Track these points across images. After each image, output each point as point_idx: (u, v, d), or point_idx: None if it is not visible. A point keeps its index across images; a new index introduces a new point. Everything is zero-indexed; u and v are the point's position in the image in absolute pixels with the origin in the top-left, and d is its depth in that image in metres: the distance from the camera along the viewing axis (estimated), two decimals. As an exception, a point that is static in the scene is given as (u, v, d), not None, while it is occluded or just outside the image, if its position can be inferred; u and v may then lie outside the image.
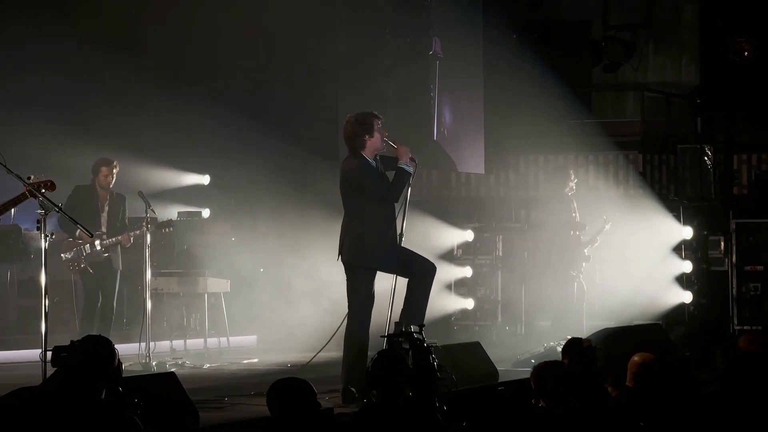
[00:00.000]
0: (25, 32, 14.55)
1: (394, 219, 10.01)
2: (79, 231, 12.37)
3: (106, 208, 12.79)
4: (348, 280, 10.01)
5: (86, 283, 12.82)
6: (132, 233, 12.68)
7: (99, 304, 12.70)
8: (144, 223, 12.41)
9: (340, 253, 10.04)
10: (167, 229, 13.03)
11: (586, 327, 13.07)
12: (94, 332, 11.93)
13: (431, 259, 10.36)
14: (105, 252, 12.71)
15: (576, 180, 14.24)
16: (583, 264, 14.09)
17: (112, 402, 5.92)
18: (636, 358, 8.05)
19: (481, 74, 18.29)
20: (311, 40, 16.47)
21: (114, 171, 12.75)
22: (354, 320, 9.91)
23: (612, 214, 15.10)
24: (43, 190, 9.28)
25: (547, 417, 6.97)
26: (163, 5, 15.52)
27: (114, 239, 12.67)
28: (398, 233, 9.94)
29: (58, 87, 14.85)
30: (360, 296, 9.90)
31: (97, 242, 12.59)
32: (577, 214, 14.08)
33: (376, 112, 10.03)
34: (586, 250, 14.08)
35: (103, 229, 12.67)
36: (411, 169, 9.90)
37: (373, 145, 9.94)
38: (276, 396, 6.25)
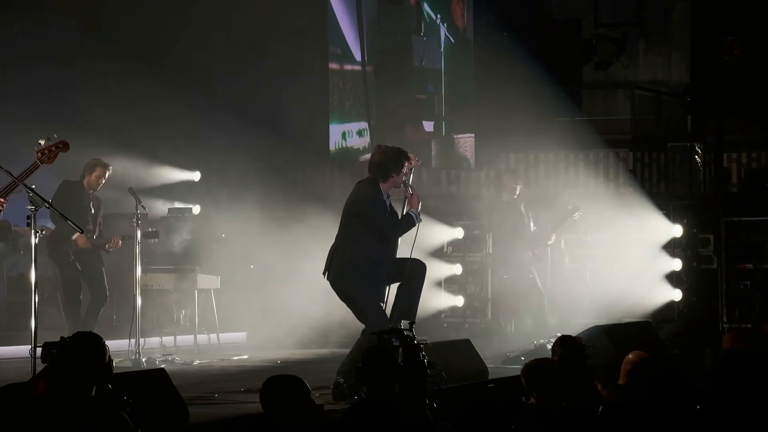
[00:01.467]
0: (8, 25, 14.49)
1: (391, 254, 10.09)
2: (76, 235, 12.42)
3: (93, 209, 12.79)
4: (342, 299, 10.06)
5: (68, 275, 12.77)
6: (121, 237, 12.79)
7: (81, 295, 12.72)
8: (134, 220, 12.38)
9: (327, 270, 10.07)
10: (153, 240, 13.08)
11: (576, 325, 13.07)
12: (81, 325, 12.02)
13: (421, 257, 10.38)
14: (92, 249, 12.74)
15: (520, 184, 14.02)
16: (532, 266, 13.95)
17: (101, 399, 5.90)
18: (631, 356, 8.05)
19: (471, 71, 18.33)
20: (302, 38, 16.47)
21: (107, 174, 12.75)
22: (372, 323, 9.83)
23: (602, 211, 15.13)
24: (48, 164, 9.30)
25: (537, 414, 6.98)
26: (154, 1, 15.52)
27: (104, 240, 12.70)
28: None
29: (44, 80, 14.80)
30: (362, 308, 9.93)
31: (88, 240, 12.61)
32: (529, 218, 13.93)
33: (411, 154, 10.12)
34: (531, 252, 13.86)
35: (90, 227, 12.67)
36: (418, 219, 10.05)
37: (394, 182, 10.07)
38: (270, 392, 6.24)
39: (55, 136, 9.54)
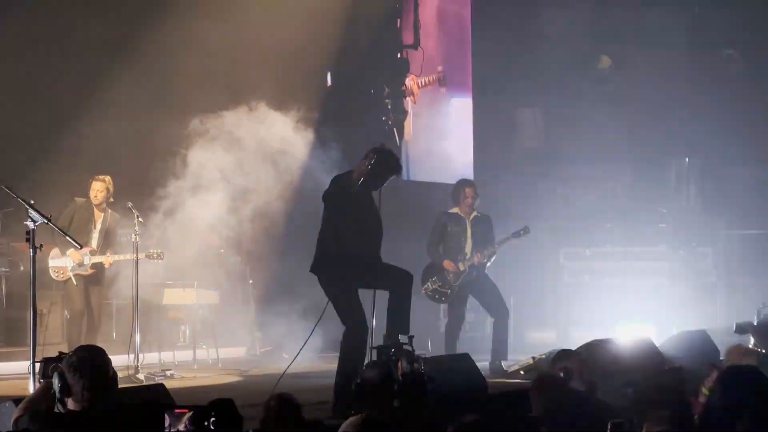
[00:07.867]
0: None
1: (371, 249, 9.99)
2: (70, 251, 12.41)
3: (99, 226, 12.74)
4: (325, 292, 10.00)
5: (70, 294, 12.77)
6: (115, 256, 12.69)
7: (84, 317, 12.68)
8: (133, 235, 12.36)
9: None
10: (158, 260, 12.97)
11: (575, 339, 13.03)
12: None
13: (419, 271, 10.35)
14: (91, 267, 12.68)
15: (473, 198, 13.32)
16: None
17: (106, 413, 5.85)
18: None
19: (469, 86, 18.40)
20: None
21: (104, 188, 12.69)
22: (349, 330, 9.80)
23: (601, 225, 15.14)
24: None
25: (542, 428, 6.95)
26: (147, 16, 15.55)
27: (97, 258, 12.64)
28: None
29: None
30: (343, 306, 9.87)
31: (86, 258, 12.58)
32: (468, 239, 13.39)
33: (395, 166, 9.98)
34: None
35: (93, 245, 12.64)
36: None
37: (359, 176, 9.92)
38: (271, 413, 6.22)
39: None
